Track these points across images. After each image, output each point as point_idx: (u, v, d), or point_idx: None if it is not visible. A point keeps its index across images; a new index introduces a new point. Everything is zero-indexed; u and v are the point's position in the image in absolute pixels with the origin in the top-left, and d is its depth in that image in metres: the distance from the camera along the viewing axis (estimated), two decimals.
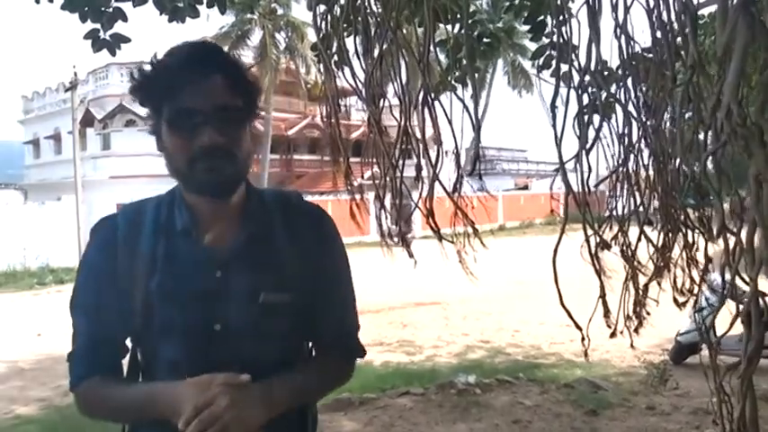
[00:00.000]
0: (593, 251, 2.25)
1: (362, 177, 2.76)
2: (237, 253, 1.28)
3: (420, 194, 2.74)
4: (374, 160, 2.87)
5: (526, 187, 42.41)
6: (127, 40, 4.18)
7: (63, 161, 27.55)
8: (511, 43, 31.88)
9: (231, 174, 1.25)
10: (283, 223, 1.34)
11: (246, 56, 29.00)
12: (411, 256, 2.76)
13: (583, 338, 2.36)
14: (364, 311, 11.98)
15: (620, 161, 2.82)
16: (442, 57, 4.03)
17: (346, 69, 2.86)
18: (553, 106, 2.97)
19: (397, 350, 8.49)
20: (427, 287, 12.43)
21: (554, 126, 2.69)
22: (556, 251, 2.20)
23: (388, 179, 2.75)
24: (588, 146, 2.49)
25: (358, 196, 2.95)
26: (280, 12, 27.95)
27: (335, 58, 2.86)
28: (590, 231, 2.44)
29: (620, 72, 2.70)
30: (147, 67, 1.26)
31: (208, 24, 27.91)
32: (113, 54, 4.22)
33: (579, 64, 2.94)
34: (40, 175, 31.29)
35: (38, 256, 18.53)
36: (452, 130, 2.59)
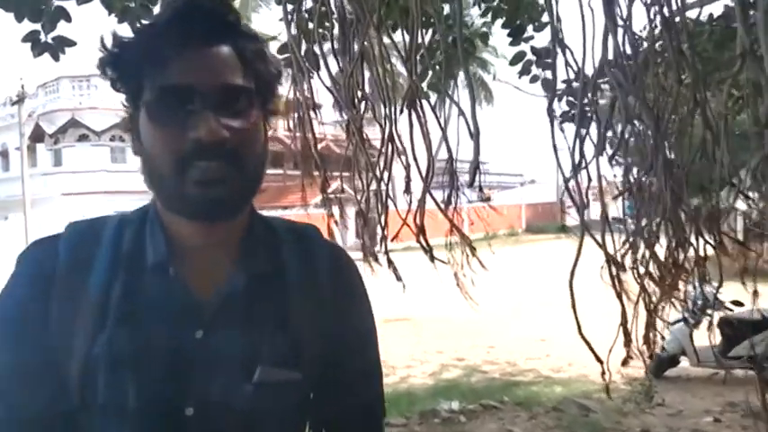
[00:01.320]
0: (613, 273, 1.97)
1: (324, 192, 2.46)
2: (230, 304, 0.88)
3: (409, 207, 2.44)
4: (351, 173, 2.57)
5: (488, 199, 42.60)
6: (71, 43, 3.77)
7: (11, 178, 26.33)
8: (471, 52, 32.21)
9: (236, 187, 0.84)
10: (297, 266, 0.94)
11: None
12: (399, 279, 2.45)
13: (603, 373, 2.06)
14: None
15: (624, 169, 2.58)
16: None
17: (320, 72, 2.55)
18: (550, 110, 2.71)
19: None
20: (394, 302, 12.09)
21: (552, 133, 2.43)
22: (573, 273, 1.91)
23: (371, 192, 2.44)
24: (592, 154, 2.23)
25: (336, 210, 2.62)
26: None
27: (306, 60, 2.54)
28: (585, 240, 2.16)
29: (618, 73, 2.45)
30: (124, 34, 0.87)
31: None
32: (56, 59, 3.80)
33: (577, 64, 2.69)
34: None
35: None
36: (445, 138, 2.30)
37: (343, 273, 1.00)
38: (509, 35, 4.22)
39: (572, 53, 2.82)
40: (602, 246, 1.92)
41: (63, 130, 25.67)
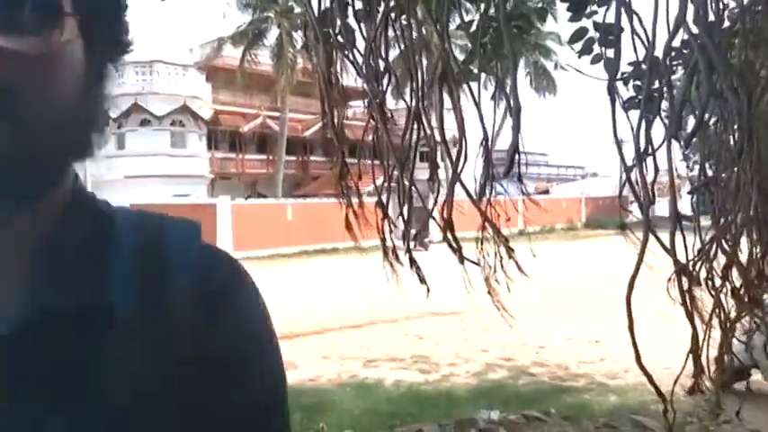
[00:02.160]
0: (684, 288, 1.58)
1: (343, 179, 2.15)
2: (17, 339, 0.51)
3: (436, 199, 2.10)
4: (375, 160, 2.24)
5: (547, 191, 41.49)
6: None
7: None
8: (534, 43, 31.12)
9: (6, 155, 0.48)
10: (136, 291, 0.57)
11: (263, 55, 28.63)
12: (423, 281, 2.11)
13: (666, 411, 1.67)
14: (377, 322, 11.41)
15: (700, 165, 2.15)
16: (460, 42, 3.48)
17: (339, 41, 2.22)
18: (612, 87, 2.31)
19: (411, 367, 7.82)
20: (444, 295, 11.71)
21: (613, 115, 2.04)
22: (632, 285, 1.52)
23: (394, 181, 2.10)
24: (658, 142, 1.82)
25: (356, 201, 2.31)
26: (297, 10, 27.44)
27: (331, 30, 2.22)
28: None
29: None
30: None
31: (225, 23, 27.54)
32: None
33: (646, 34, 2.28)
34: None
35: None
36: (480, 118, 1.94)
37: (222, 299, 0.62)
38: (568, 9, 3.76)
39: (641, 21, 2.39)
40: (672, 252, 1.52)
41: (126, 115, 26.42)
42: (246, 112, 31.64)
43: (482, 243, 2.06)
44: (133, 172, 26.19)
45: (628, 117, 2.24)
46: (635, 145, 1.83)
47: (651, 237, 1.68)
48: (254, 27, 27.27)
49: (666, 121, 1.74)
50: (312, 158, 34.42)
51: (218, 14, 27.23)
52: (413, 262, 2.10)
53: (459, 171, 1.82)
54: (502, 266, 1.99)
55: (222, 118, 29.94)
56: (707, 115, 1.73)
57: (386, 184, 2.02)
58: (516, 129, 1.72)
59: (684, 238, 1.85)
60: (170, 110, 26.71)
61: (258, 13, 27.14)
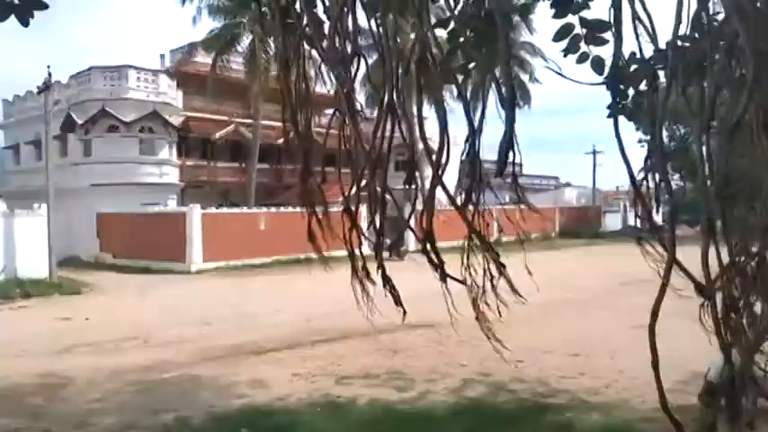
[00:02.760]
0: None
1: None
2: None
3: (414, 205, 1.79)
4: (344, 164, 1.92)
5: (519, 200, 41.49)
6: (42, 6, 3.25)
7: (43, 168, 26.38)
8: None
9: None
10: None
11: (236, 61, 28.13)
12: (398, 304, 1.79)
13: None
14: (350, 335, 11.01)
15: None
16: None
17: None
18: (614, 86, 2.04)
19: (386, 384, 7.47)
20: (419, 306, 11.36)
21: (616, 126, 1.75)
22: (656, 315, 1.22)
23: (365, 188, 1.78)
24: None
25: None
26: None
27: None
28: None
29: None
30: None
31: (196, 29, 26.99)
32: (25, 23, 3.28)
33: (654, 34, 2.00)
34: (20, 182, 30.08)
35: (4, 267, 17.35)
36: (466, 110, 1.62)
37: None
38: (552, 5, 3.50)
39: (644, 6, 2.13)
40: (701, 280, 1.23)
41: (93, 121, 25.64)
42: (218, 119, 31.05)
43: (468, 259, 1.75)
44: (100, 180, 25.38)
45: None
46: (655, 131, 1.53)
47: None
48: (227, 32, 26.79)
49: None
50: (286, 166, 33.91)
51: (189, 20, 26.53)
52: (386, 281, 1.78)
53: (441, 172, 1.50)
54: (492, 285, 1.69)
55: (193, 125, 29.30)
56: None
57: (354, 190, 1.70)
58: (510, 121, 1.41)
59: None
60: (139, 116, 26.00)
61: (230, 19, 26.66)
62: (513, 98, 1.43)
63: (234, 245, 22.96)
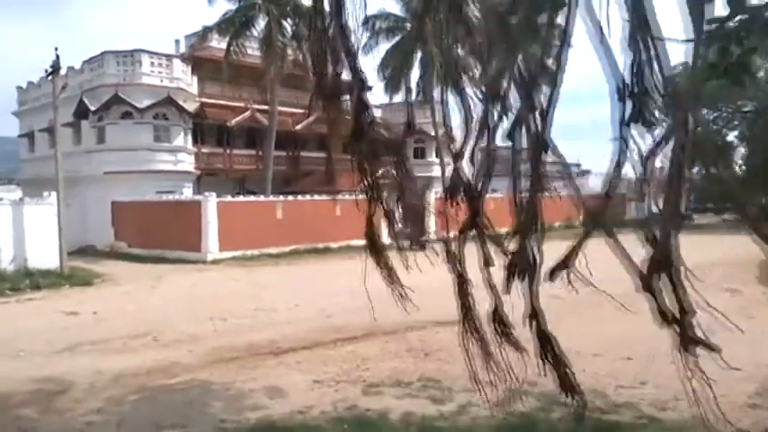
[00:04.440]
0: None
1: None
2: None
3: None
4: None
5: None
6: None
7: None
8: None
9: None
10: None
11: (252, 47, 27.24)
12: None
13: None
14: (375, 333, 10.12)
15: None
16: None
17: None
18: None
19: (420, 393, 6.60)
20: (446, 300, 10.47)
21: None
22: None
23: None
24: None
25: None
26: None
27: None
28: None
29: None
30: None
31: (211, 10, 26.06)
32: None
33: None
34: (34, 170, 29.60)
35: (13, 257, 16.75)
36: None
37: None
38: None
39: None
40: None
41: (106, 107, 24.96)
42: (234, 104, 30.24)
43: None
44: (114, 167, 24.75)
45: None
46: None
47: None
48: (241, 14, 25.84)
49: None
50: (303, 154, 33.07)
51: (204, 3, 25.63)
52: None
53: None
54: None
55: (209, 111, 28.48)
56: None
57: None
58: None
59: None
60: (153, 102, 25.25)
61: (245, 0, 25.71)
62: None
63: (250, 234, 22.21)
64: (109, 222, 24.92)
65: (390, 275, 3.76)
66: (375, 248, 3.39)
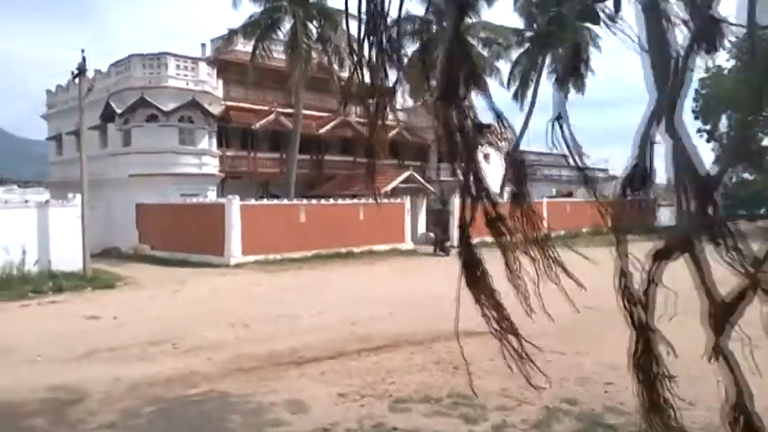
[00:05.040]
0: None
1: None
2: None
3: None
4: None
5: (570, 194, 39.49)
6: None
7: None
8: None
9: None
10: None
11: (277, 50, 27.10)
12: None
13: None
14: (400, 343, 9.71)
15: None
16: None
17: None
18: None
19: (451, 411, 6.18)
20: (472, 308, 9.99)
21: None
22: None
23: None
24: None
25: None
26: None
27: None
28: None
29: None
30: None
31: (236, 13, 26.02)
32: None
33: None
34: (62, 173, 29.87)
35: (37, 259, 16.72)
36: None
37: None
38: None
39: None
40: None
41: (132, 110, 25.03)
42: (259, 108, 30.14)
43: None
44: (139, 170, 24.79)
45: None
46: None
47: None
48: (267, 17, 25.73)
49: None
50: (327, 157, 32.83)
51: (229, 5, 25.52)
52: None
53: None
54: None
55: (233, 114, 28.41)
56: None
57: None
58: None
59: None
60: (178, 105, 25.26)
61: (271, 2, 25.59)
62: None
63: (273, 238, 21.99)
64: (133, 225, 24.95)
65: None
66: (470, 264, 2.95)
